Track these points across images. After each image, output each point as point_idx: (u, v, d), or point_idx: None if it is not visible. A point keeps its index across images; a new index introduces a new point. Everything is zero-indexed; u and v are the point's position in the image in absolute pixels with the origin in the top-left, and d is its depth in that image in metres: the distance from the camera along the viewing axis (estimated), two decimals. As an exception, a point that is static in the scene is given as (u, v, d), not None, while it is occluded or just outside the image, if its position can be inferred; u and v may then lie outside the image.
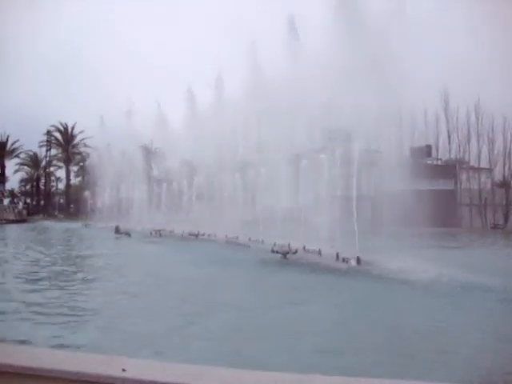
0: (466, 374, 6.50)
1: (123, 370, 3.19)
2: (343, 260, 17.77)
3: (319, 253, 19.98)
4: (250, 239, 27.68)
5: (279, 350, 7.26)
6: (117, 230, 37.19)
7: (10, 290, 12.60)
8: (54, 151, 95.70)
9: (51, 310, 9.86)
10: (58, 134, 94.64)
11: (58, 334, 8.08)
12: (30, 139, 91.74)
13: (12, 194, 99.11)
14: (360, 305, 11.16)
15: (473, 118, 66.59)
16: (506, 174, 67.34)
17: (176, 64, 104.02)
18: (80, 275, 15.99)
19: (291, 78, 29.14)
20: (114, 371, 3.18)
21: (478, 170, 66.48)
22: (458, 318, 9.82)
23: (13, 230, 47.51)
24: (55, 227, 55.03)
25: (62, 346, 6.96)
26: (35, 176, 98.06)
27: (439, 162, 66.86)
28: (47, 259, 20.43)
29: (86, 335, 8.14)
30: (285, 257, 19.83)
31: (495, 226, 62.16)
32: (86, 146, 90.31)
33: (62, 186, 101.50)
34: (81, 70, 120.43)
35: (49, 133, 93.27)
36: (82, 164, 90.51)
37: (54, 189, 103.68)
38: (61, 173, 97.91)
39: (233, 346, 7.35)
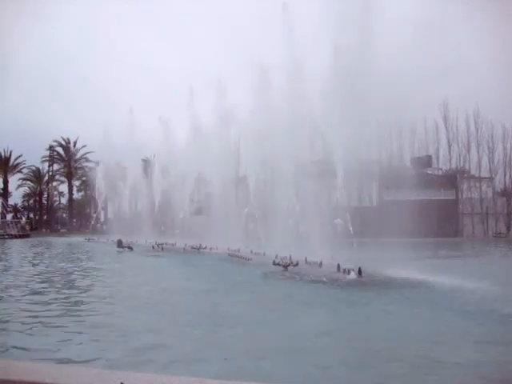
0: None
1: (121, 384, 3.24)
2: (344, 271, 17.78)
3: (320, 264, 20.03)
4: (251, 252, 27.71)
5: (278, 364, 7.30)
6: (119, 244, 37.19)
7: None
8: (56, 166, 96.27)
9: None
10: (60, 149, 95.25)
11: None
12: (32, 154, 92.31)
13: (15, 209, 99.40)
14: (360, 316, 11.20)
15: (472, 127, 67.00)
16: (507, 183, 67.52)
17: (179, 79, 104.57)
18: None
19: (292, 92, 29.34)
20: (112, 385, 3.23)
21: (479, 179, 66.58)
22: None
23: (16, 246, 47.57)
24: (58, 242, 55.09)
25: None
26: (38, 191, 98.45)
27: (440, 172, 67.03)
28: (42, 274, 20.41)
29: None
30: (286, 269, 19.86)
31: (497, 235, 62.10)
32: (88, 160, 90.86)
33: (64, 200, 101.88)
34: (82, 83, 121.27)
35: (51, 148, 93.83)
36: (84, 179, 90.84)
37: (56, 203, 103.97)
38: (63, 187, 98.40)
39: (230, 361, 7.36)
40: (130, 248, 36.47)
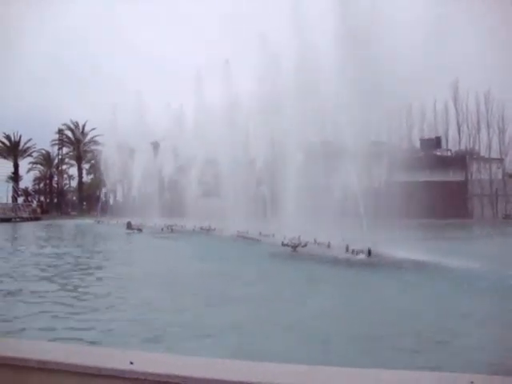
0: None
1: (131, 363, 3.25)
2: (353, 252, 17.80)
3: (329, 245, 20.04)
4: (260, 233, 27.77)
5: (288, 341, 7.34)
6: (128, 226, 37.49)
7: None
8: (65, 149, 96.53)
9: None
10: (69, 133, 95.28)
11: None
12: (42, 138, 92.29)
13: (26, 192, 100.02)
14: (367, 295, 11.24)
15: (482, 107, 65.91)
16: (517, 164, 66.71)
17: (185, 62, 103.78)
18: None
19: (299, 70, 29.02)
20: (122, 364, 3.25)
21: (489, 160, 65.80)
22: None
23: (27, 228, 48.04)
24: (68, 224, 55.60)
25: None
26: (48, 174, 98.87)
27: (449, 153, 66.30)
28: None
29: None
30: (295, 250, 19.93)
31: (507, 217, 61.57)
32: (96, 143, 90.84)
33: (74, 183, 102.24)
34: (89, 67, 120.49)
35: (60, 131, 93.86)
36: (93, 162, 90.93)
37: (66, 187, 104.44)
38: (73, 171, 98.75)
39: (242, 340, 7.42)
40: (140, 230, 36.74)
